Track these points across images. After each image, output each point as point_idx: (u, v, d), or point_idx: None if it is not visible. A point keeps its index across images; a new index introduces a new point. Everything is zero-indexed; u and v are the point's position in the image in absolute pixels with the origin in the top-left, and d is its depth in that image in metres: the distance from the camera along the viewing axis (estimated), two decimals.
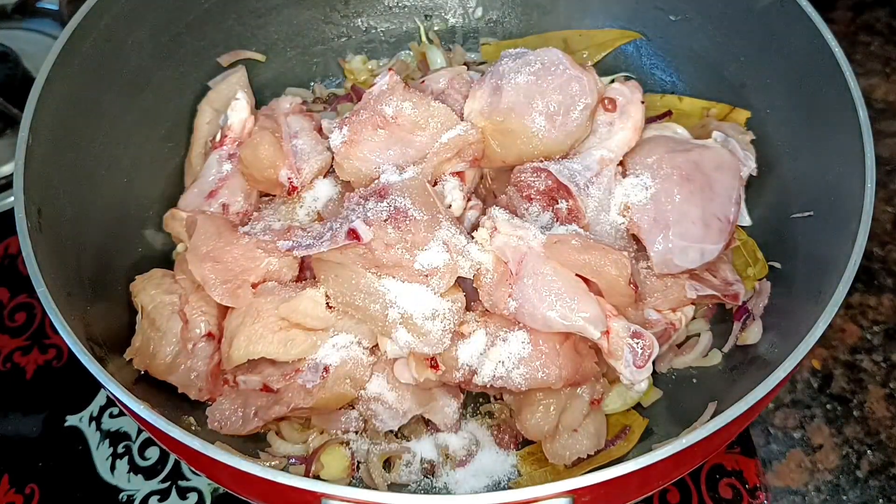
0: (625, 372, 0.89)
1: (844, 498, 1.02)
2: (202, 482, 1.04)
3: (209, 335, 0.94)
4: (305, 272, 1.00)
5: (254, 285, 0.94)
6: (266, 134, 1.03)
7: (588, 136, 1.01)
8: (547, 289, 0.88)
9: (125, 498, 1.04)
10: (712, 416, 0.80)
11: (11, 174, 0.92)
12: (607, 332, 0.89)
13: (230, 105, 1.09)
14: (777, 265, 1.01)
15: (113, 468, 1.06)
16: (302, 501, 0.71)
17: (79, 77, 1.00)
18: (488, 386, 0.90)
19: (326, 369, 0.91)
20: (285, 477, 0.69)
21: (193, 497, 1.03)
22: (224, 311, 0.95)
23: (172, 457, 1.06)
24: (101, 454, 1.07)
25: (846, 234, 0.84)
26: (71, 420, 1.11)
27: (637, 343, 0.89)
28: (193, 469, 0.98)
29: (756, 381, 0.75)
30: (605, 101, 1.02)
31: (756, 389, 0.74)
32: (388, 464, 0.97)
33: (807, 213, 0.98)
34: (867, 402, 1.10)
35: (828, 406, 1.09)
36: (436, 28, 1.33)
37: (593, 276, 0.89)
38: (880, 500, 1.02)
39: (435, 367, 0.89)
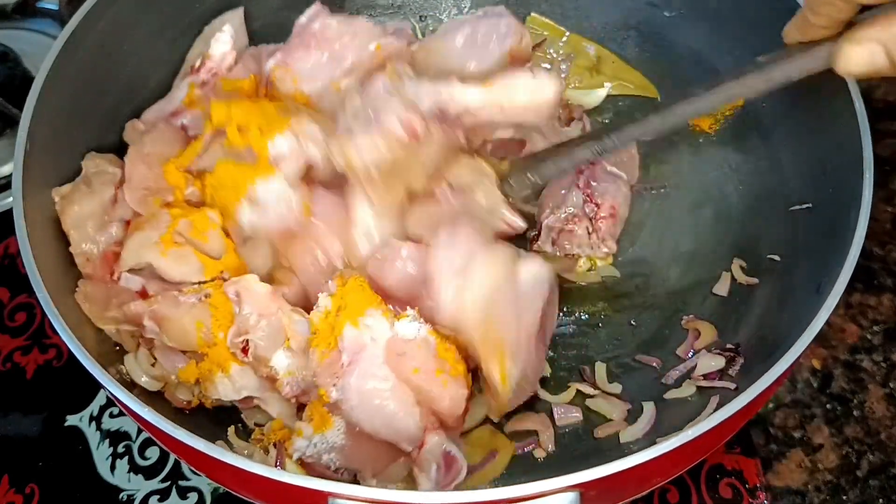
0: (425, 485, 0.84)
1: (844, 498, 1.03)
2: (202, 482, 1.04)
3: (127, 223, 0.94)
4: None
5: (168, 205, 0.94)
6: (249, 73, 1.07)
7: None
8: (373, 396, 0.83)
9: (125, 497, 1.04)
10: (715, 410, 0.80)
11: (11, 174, 0.91)
12: (421, 445, 0.84)
13: (214, 36, 1.10)
14: (776, 258, 1.01)
15: (113, 468, 1.06)
16: (308, 501, 0.71)
17: (78, 77, 1.00)
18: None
19: (208, 296, 0.89)
20: (290, 477, 0.69)
21: (194, 497, 1.03)
22: None
23: (172, 457, 1.06)
24: (101, 454, 1.07)
25: (845, 225, 0.84)
26: (71, 420, 1.11)
27: (443, 466, 0.85)
28: (194, 469, 0.98)
29: (757, 375, 0.75)
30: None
31: (759, 382, 0.74)
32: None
33: (805, 205, 0.98)
34: (867, 401, 1.10)
35: (828, 406, 1.09)
36: (431, 28, 1.33)
37: (427, 403, 0.84)
38: (880, 500, 1.02)
39: (244, 350, 0.86)
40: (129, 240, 0.90)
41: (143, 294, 0.92)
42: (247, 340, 0.86)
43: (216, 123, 0.91)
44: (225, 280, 0.91)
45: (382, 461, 0.86)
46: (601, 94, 1.23)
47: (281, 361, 0.86)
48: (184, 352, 0.91)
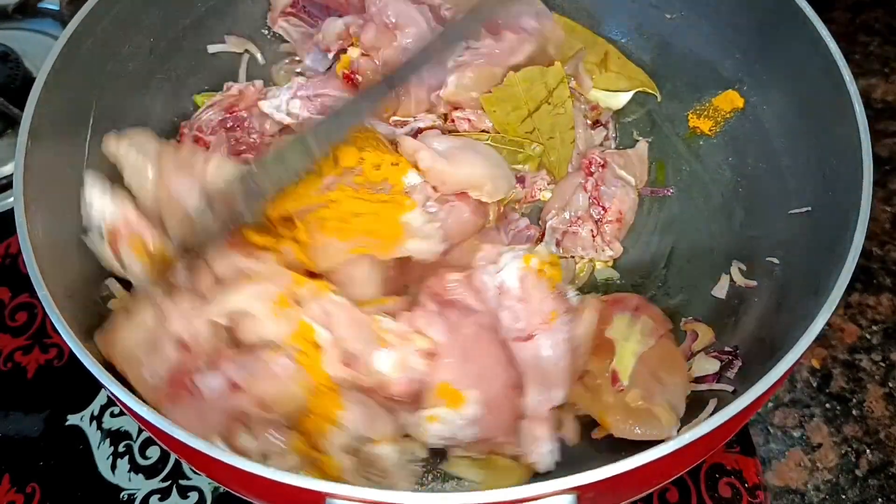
0: (539, 450, 0.88)
1: (844, 497, 1.03)
2: (203, 481, 1.04)
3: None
4: None
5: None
6: None
7: None
8: (567, 356, 0.87)
9: (126, 497, 1.04)
10: (712, 413, 0.80)
11: (11, 174, 0.92)
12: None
13: None
14: (775, 260, 1.01)
15: (114, 467, 1.06)
16: (306, 501, 0.71)
17: (79, 78, 1.00)
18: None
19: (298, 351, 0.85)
20: (288, 477, 0.69)
21: (194, 496, 1.04)
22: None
23: (173, 456, 1.06)
24: (101, 453, 1.08)
25: (845, 227, 0.84)
26: (72, 419, 1.11)
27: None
28: (194, 468, 0.98)
29: (755, 378, 0.75)
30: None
31: (756, 385, 0.74)
32: None
33: (804, 209, 0.98)
34: (866, 401, 1.10)
35: (827, 405, 1.10)
36: None
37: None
38: (879, 500, 1.03)
39: (348, 364, 0.85)
40: (245, 288, 0.84)
41: (234, 386, 0.83)
42: (348, 352, 0.84)
43: (348, 165, 0.96)
44: None
45: (511, 428, 0.89)
46: (626, 97, 1.24)
47: (384, 360, 0.85)
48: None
